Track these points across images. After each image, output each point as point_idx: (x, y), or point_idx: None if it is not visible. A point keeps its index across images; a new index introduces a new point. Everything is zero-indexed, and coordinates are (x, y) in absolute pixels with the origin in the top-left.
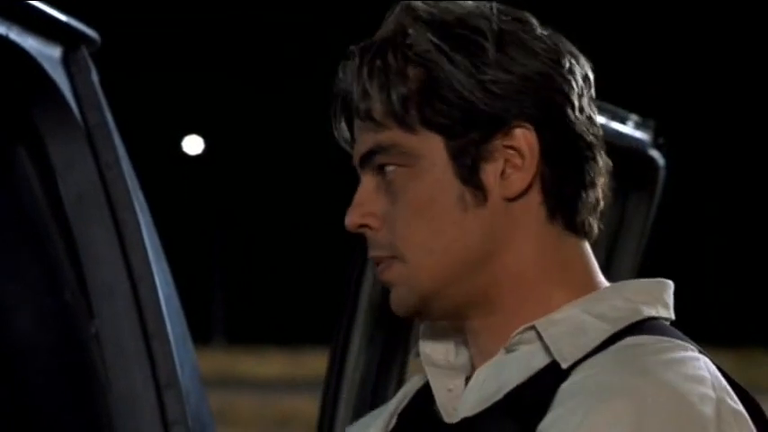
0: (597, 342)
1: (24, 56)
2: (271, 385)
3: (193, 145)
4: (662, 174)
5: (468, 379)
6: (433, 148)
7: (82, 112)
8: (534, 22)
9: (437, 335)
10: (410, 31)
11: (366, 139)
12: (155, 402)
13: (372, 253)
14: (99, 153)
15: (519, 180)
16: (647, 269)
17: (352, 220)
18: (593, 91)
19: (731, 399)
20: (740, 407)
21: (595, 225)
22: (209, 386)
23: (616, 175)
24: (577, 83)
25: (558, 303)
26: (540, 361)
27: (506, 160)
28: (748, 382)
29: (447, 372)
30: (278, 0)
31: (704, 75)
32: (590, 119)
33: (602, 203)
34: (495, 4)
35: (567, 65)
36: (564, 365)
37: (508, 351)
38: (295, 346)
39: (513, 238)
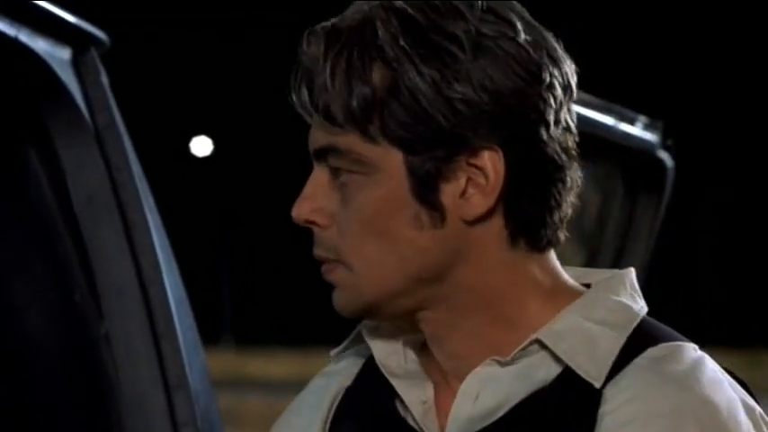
0: (614, 354)
1: (34, 58)
2: (279, 386)
3: (202, 146)
4: (670, 175)
5: (434, 387)
6: (391, 160)
7: (91, 114)
8: (519, 25)
9: (383, 337)
10: (380, 28)
11: (321, 136)
12: (164, 403)
13: (316, 252)
14: (108, 154)
15: (480, 203)
16: (654, 269)
17: (298, 212)
18: (574, 95)
19: (743, 393)
20: (751, 401)
21: (562, 235)
22: (217, 387)
23: (624, 176)
24: (556, 98)
25: (535, 312)
26: (546, 374)
27: (469, 179)
28: (751, 383)
29: (410, 382)
30: (288, 1)
31: (713, 76)
32: (566, 130)
33: (569, 215)
34: (482, 1)
35: (547, 79)
36: (597, 384)
37: (503, 364)
38: (303, 346)
39: (473, 257)
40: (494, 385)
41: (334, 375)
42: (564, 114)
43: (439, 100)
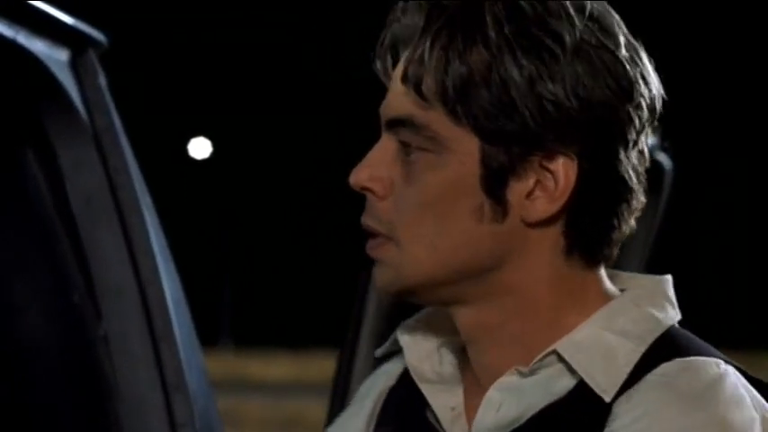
0: (630, 367)
1: (32, 59)
2: (278, 388)
3: (201, 148)
4: (669, 177)
5: (465, 392)
6: (467, 145)
7: (90, 116)
8: (621, 38)
9: (419, 341)
10: (488, 12)
11: (401, 104)
12: (162, 404)
13: (367, 222)
14: (107, 156)
15: (544, 207)
16: (653, 271)
17: (358, 177)
18: (655, 119)
19: (766, 408)
20: None
21: (615, 252)
22: (216, 388)
23: None
24: (641, 118)
25: (572, 323)
26: (563, 386)
27: (538, 181)
28: None
29: (441, 387)
30: (287, 2)
31: (711, 78)
32: (641, 154)
33: (626, 236)
34: (592, 8)
35: (637, 98)
36: (607, 399)
37: (524, 375)
38: (302, 348)
39: (524, 260)
40: (515, 396)
41: (379, 375)
42: (643, 137)
43: (530, 96)
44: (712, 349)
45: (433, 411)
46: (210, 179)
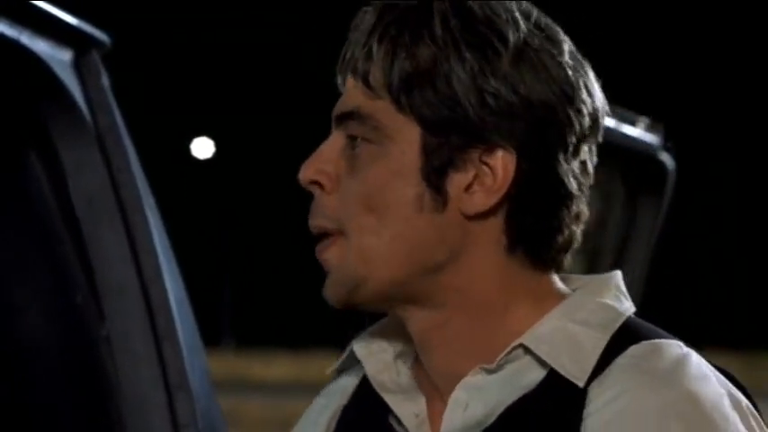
0: (597, 354)
1: (35, 60)
2: (279, 388)
3: (203, 148)
4: (671, 176)
5: (426, 401)
6: (409, 136)
7: (92, 116)
8: (566, 47)
9: (375, 352)
10: (436, 9)
11: (349, 99)
12: (165, 404)
13: (313, 221)
14: (109, 156)
15: (482, 201)
16: (656, 272)
17: (306, 173)
18: (599, 136)
19: (731, 387)
20: (739, 394)
21: (566, 261)
22: (217, 389)
23: (625, 178)
24: (582, 125)
25: (523, 318)
26: (531, 378)
27: (477, 175)
28: (754, 385)
29: (403, 396)
30: (289, 2)
31: (714, 78)
32: (583, 165)
33: (576, 244)
34: (539, 16)
35: (579, 103)
36: (580, 384)
37: (490, 372)
38: (303, 348)
39: (468, 256)
40: (482, 394)
41: (332, 395)
42: (585, 149)
43: (472, 89)
44: (671, 335)
45: (397, 419)
46: (213, 179)
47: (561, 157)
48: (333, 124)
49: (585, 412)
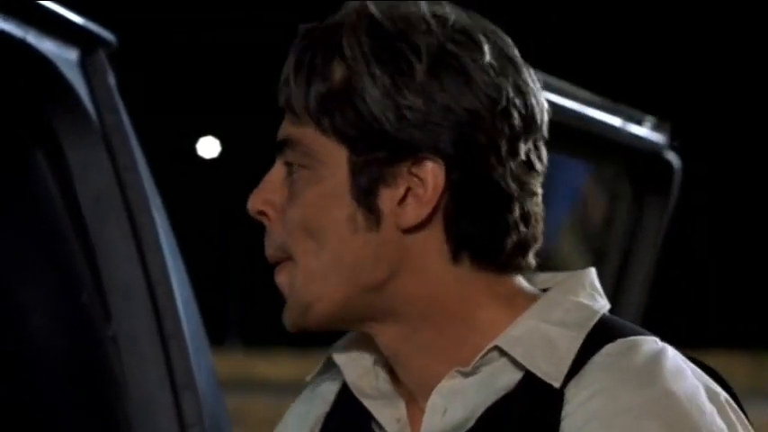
0: (573, 354)
1: (42, 59)
2: (285, 387)
3: (209, 147)
4: (678, 176)
5: (406, 406)
6: (337, 157)
7: (99, 115)
8: (486, 48)
9: (354, 358)
10: (347, 29)
11: (284, 127)
12: (171, 404)
13: (268, 251)
14: (116, 155)
15: (415, 213)
16: (662, 271)
17: (252, 203)
18: (543, 132)
19: (707, 380)
20: (716, 387)
21: (527, 262)
22: (223, 388)
23: (632, 177)
24: (513, 126)
25: (492, 321)
26: (507, 380)
27: (409, 188)
28: (755, 385)
29: (383, 402)
30: (296, 2)
31: (721, 77)
32: (526, 164)
33: (537, 243)
34: (457, 20)
35: (504, 104)
36: (556, 385)
37: (466, 375)
38: (310, 348)
39: (412, 268)
40: (459, 398)
41: (312, 401)
42: (523, 147)
43: (386, 104)
44: (646, 331)
45: (379, 425)
46: (219, 179)
47: (494, 160)
48: (275, 154)
49: (563, 413)
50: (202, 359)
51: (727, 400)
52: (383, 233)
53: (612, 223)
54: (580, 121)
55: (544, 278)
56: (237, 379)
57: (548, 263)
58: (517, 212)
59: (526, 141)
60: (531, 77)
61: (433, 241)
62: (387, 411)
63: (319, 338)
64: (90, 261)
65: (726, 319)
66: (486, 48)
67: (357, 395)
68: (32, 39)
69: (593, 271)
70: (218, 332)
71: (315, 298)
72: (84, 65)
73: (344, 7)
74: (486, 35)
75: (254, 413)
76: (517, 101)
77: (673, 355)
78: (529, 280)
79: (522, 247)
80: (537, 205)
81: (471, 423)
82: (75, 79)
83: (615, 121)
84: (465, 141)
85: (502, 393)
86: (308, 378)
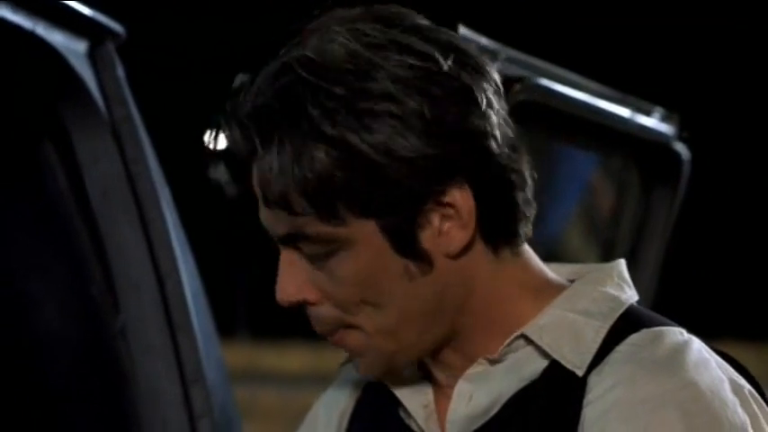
0: (598, 342)
1: (50, 51)
2: (294, 379)
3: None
4: (686, 167)
5: (433, 392)
6: (364, 230)
7: (107, 107)
8: (437, 54)
9: None
10: (311, 108)
11: (281, 223)
12: (181, 396)
13: (319, 329)
14: (124, 148)
15: (460, 236)
16: (670, 263)
17: (286, 295)
18: (501, 94)
19: (732, 373)
20: (741, 379)
21: (530, 229)
22: (232, 380)
23: (640, 168)
24: (493, 107)
25: (523, 312)
26: (533, 368)
27: (442, 216)
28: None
29: (411, 389)
30: None
31: (730, 68)
32: (505, 124)
33: (534, 208)
34: (396, 44)
35: (482, 97)
36: (579, 373)
37: (493, 363)
38: (318, 340)
39: (469, 286)
40: (485, 384)
41: (344, 387)
42: (501, 115)
43: (393, 162)
44: (672, 322)
45: (407, 412)
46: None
47: (495, 147)
48: (277, 241)
49: (585, 401)
50: (211, 351)
51: (751, 393)
52: (438, 268)
53: (621, 214)
54: (589, 113)
55: (573, 269)
56: (246, 371)
57: (557, 254)
58: (519, 182)
59: (500, 109)
60: (464, 41)
61: (477, 249)
62: (414, 398)
63: None
64: (99, 254)
65: (734, 309)
66: (437, 54)
67: (386, 383)
68: (41, 31)
69: (622, 262)
70: (227, 324)
71: (395, 350)
72: (93, 57)
73: (264, 74)
74: (428, 40)
75: (262, 405)
76: (485, 84)
77: (698, 347)
78: (557, 271)
79: (530, 213)
80: (526, 164)
81: (496, 409)
82: (84, 71)
83: (624, 112)
84: (471, 152)
85: (527, 381)
86: (340, 364)
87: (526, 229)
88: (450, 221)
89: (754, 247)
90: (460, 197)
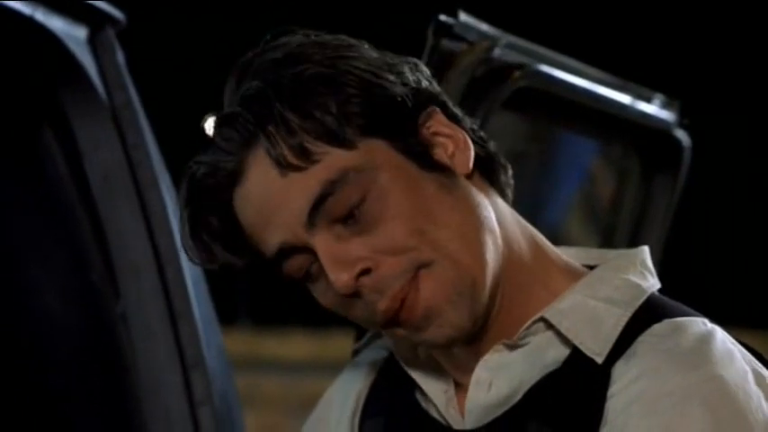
0: (618, 330)
1: (50, 37)
2: (296, 367)
3: None
4: (687, 154)
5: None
6: (383, 155)
7: (108, 93)
8: (397, 61)
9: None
10: (310, 52)
11: (304, 189)
12: (181, 383)
13: (391, 291)
14: (125, 133)
15: (465, 156)
16: (674, 250)
17: (346, 279)
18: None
19: (756, 364)
20: (764, 370)
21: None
22: (233, 368)
23: (641, 155)
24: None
25: (537, 293)
26: (555, 356)
27: (442, 145)
28: None
29: (431, 374)
30: None
31: (731, 55)
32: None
33: (508, 166)
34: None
35: (441, 93)
36: (599, 360)
37: (512, 348)
38: (320, 327)
39: (496, 214)
40: (505, 373)
41: (359, 369)
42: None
43: (395, 81)
44: (695, 312)
45: (424, 395)
46: None
47: (457, 114)
48: (305, 228)
49: (609, 392)
50: (212, 337)
51: None
52: (461, 185)
53: (621, 201)
54: (589, 99)
55: (594, 255)
56: (247, 358)
57: (557, 240)
58: (492, 147)
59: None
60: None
61: (478, 179)
62: (435, 383)
63: (330, 318)
64: (99, 240)
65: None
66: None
67: (405, 367)
68: (41, 16)
69: (645, 250)
70: (228, 311)
71: (475, 271)
72: (93, 43)
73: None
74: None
75: (263, 392)
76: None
77: (722, 338)
78: (578, 257)
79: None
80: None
81: (517, 398)
82: (84, 57)
83: (624, 98)
84: (435, 98)
85: (549, 370)
86: (355, 348)
87: (507, 179)
88: (452, 146)
89: (757, 235)
90: (438, 122)
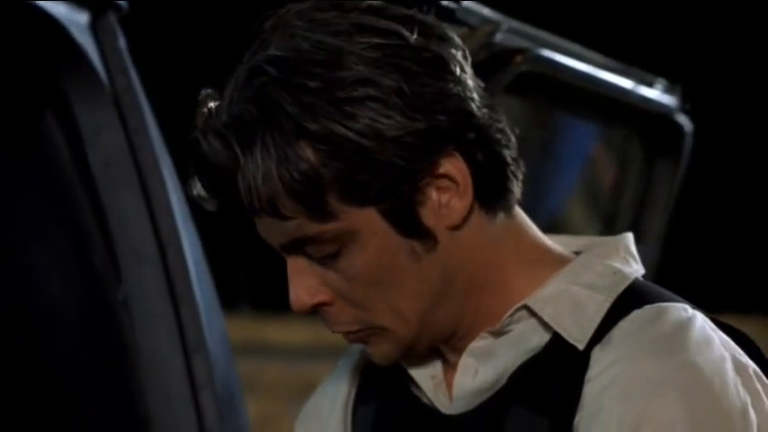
0: (600, 316)
1: (52, 22)
2: (296, 352)
3: None
4: (689, 139)
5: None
6: (365, 218)
7: (109, 78)
8: (402, 30)
9: None
10: (288, 106)
11: (277, 230)
12: (183, 367)
13: (336, 329)
14: (126, 119)
15: (460, 207)
16: (672, 236)
17: (302, 303)
18: (468, 55)
19: (736, 350)
20: (744, 357)
21: (520, 187)
22: (234, 353)
23: (642, 140)
24: (466, 71)
25: (522, 282)
26: (537, 341)
27: (438, 189)
28: None
29: (419, 360)
30: None
31: (733, 39)
32: (478, 86)
33: (519, 165)
34: (354, 25)
35: (454, 63)
36: (580, 347)
37: (496, 335)
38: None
39: (469, 253)
40: (490, 360)
41: (342, 376)
42: (472, 80)
43: (382, 144)
44: (678, 297)
45: (415, 384)
46: None
47: (476, 110)
48: (280, 250)
49: (587, 377)
50: (213, 322)
51: (755, 372)
52: (442, 243)
53: (623, 186)
54: (591, 84)
55: (580, 242)
56: (248, 344)
57: (558, 226)
58: (509, 156)
59: (470, 74)
60: (424, 12)
61: (477, 218)
62: (422, 369)
63: None
64: (101, 224)
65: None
66: (402, 29)
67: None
68: (43, 2)
69: (629, 236)
70: (229, 297)
71: (413, 337)
72: (95, 28)
73: (236, 89)
74: (386, 17)
75: (264, 378)
76: (452, 50)
77: (701, 324)
78: (565, 243)
79: (517, 172)
80: (504, 121)
81: (503, 382)
82: (86, 42)
83: (626, 83)
84: (454, 119)
85: (531, 354)
86: (345, 355)
87: (517, 188)
88: (448, 192)
89: (758, 220)
90: (453, 166)
